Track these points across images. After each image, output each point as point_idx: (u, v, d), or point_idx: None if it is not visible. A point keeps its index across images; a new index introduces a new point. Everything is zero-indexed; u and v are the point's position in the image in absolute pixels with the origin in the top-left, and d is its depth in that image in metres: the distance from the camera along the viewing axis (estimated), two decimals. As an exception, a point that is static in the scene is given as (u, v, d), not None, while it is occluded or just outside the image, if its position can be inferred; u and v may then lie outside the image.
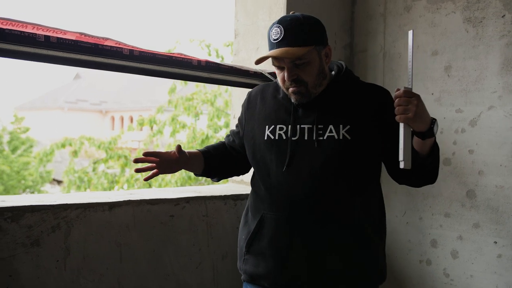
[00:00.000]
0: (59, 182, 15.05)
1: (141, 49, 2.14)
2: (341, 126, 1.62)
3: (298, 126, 1.66)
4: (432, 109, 2.74)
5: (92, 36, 2.01)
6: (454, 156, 2.68)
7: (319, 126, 1.63)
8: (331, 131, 1.62)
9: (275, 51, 1.59)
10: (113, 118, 29.57)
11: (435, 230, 2.76)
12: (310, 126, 1.64)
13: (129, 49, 2.10)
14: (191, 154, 1.78)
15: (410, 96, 1.46)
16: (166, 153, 1.74)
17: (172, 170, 1.75)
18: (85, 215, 2.04)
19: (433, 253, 2.76)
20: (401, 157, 1.47)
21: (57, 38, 1.87)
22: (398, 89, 1.48)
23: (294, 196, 1.62)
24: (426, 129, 1.49)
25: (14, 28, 1.77)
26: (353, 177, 1.65)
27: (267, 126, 1.71)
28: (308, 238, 1.61)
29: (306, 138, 1.64)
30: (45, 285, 1.92)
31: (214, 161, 1.82)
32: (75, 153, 9.09)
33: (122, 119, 28.84)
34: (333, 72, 1.76)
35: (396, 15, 2.96)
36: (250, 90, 1.91)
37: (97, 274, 2.07)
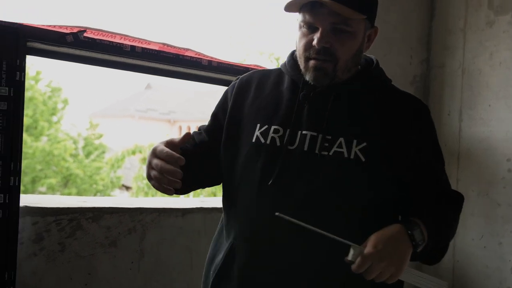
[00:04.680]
0: (127, 188, 15.60)
1: (219, 60, 2.19)
2: (355, 141, 1.21)
3: (299, 131, 1.24)
4: (516, 129, 2.62)
5: (174, 47, 2.08)
6: (538, 179, 2.53)
7: (327, 137, 1.22)
8: (340, 146, 1.21)
9: None
10: (180, 128, 30.36)
11: (514, 256, 2.61)
12: (315, 134, 1.23)
13: (208, 60, 2.15)
14: None
15: (367, 263, 1.09)
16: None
17: None
18: (159, 219, 2.09)
19: None
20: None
21: (142, 48, 1.95)
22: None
23: (277, 223, 1.16)
24: (418, 256, 1.19)
25: (104, 38, 1.86)
26: (360, 213, 1.22)
27: (258, 125, 1.28)
28: (292, 284, 1.21)
29: (306, 148, 1.22)
30: (120, 285, 1.99)
31: (187, 168, 1.23)
32: (144, 160, 9.40)
33: (189, 129, 29.56)
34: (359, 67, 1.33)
35: (477, 30, 2.85)
36: (241, 76, 1.43)
37: (168, 279, 2.12)
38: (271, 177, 1.21)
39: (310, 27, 1.21)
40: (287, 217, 1.10)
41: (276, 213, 1.11)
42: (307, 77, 1.24)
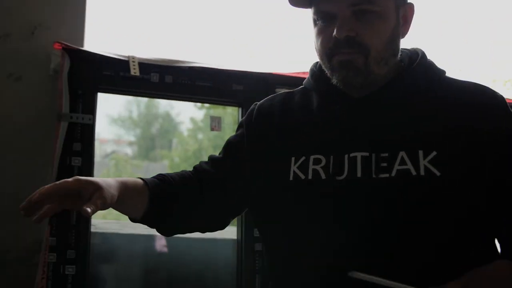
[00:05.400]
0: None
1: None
2: (420, 152, 0.94)
3: (346, 155, 0.98)
4: None
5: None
6: None
7: (382, 155, 0.96)
8: (403, 162, 0.94)
9: None
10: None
11: None
12: (366, 154, 0.96)
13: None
14: (123, 185, 0.97)
15: None
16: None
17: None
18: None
19: None
20: None
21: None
22: None
23: (342, 281, 0.89)
24: None
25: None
26: (447, 243, 0.93)
27: (293, 159, 1.01)
28: None
29: (359, 175, 0.96)
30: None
31: (169, 201, 1.04)
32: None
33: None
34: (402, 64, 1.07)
35: None
36: (258, 102, 1.17)
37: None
38: (323, 222, 0.96)
39: (326, 18, 0.97)
40: (367, 276, 0.84)
41: (350, 273, 0.85)
42: (335, 80, 0.99)
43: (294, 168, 1.00)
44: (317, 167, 0.98)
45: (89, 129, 1.75)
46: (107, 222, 2.02)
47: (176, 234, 1.12)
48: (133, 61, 1.81)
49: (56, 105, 1.72)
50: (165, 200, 1.02)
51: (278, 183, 1.01)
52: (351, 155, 0.96)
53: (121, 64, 1.79)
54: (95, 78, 1.78)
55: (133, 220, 1.04)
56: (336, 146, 0.98)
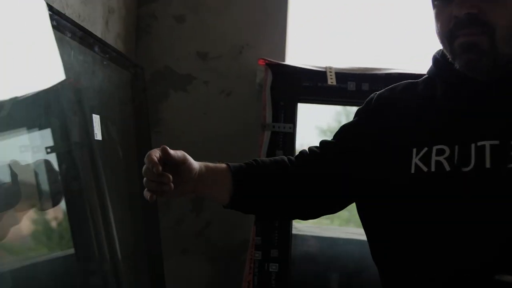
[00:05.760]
0: None
1: None
2: None
3: (472, 145, 0.88)
4: None
5: None
6: None
7: None
8: None
9: None
10: None
11: None
12: (496, 142, 0.86)
13: None
14: (203, 164, 0.98)
15: None
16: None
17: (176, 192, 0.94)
18: None
19: None
20: None
21: None
22: None
23: (488, 285, 0.82)
24: None
25: None
26: None
27: (414, 150, 0.94)
28: None
29: (488, 165, 0.86)
30: None
31: (255, 185, 1.01)
32: None
33: None
34: None
35: None
36: (377, 92, 1.10)
37: None
38: (450, 219, 0.87)
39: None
40: None
41: (498, 277, 0.78)
42: (458, 65, 0.91)
43: (415, 160, 0.93)
44: (441, 158, 0.91)
45: (290, 137, 1.87)
46: (308, 226, 2.12)
47: (272, 219, 1.14)
48: (330, 72, 1.87)
49: (260, 116, 1.88)
50: (250, 184, 1.01)
51: (398, 177, 0.95)
52: (479, 144, 0.88)
53: (319, 75, 1.87)
54: (295, 90, 1.89)
55: (224, 206, 1.03)
56: (461, 135, 0.90)
